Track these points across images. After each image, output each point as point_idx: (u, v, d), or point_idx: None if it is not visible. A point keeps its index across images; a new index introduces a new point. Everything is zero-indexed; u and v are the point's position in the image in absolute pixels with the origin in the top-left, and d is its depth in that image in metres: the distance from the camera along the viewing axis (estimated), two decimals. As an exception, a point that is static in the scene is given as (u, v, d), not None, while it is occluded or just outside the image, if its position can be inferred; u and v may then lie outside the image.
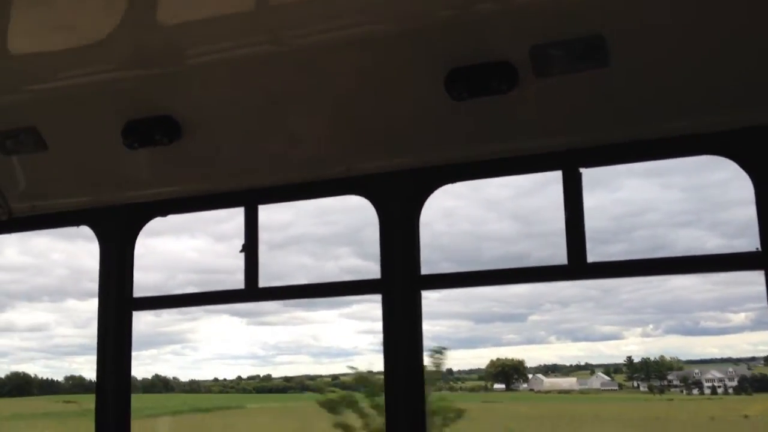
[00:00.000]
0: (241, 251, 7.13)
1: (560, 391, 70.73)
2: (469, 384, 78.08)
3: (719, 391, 63.62)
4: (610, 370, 74.08)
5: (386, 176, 6.67)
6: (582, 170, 6.29)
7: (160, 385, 78.98)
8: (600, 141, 6.13)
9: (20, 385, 77.28)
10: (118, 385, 7.40)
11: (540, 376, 74.01)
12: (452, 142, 6.39)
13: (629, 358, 72.51)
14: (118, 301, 7.44)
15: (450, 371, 78.26)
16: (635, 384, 71.15)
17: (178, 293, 7.64)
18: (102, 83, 6.36)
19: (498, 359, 74.91)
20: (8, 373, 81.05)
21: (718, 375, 65.47)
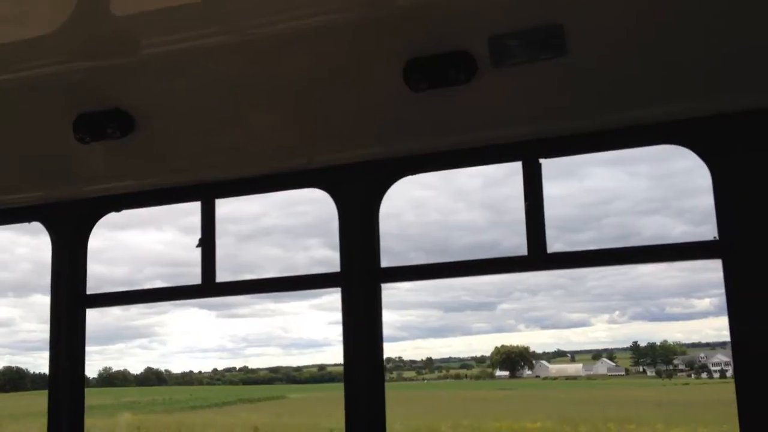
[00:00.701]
0: (197, 246, 7.04)
1: (567, 378, 71.18)
2: (474, 371, 78.29)
3: (728, 374, 63.83)
4: (612, 355, 74.33)
5: (345, 168, 6.62)
6: (542, 161, 6.26)
7: (153, 377, 79.28)
8: (559, 131, 6.11)
9: (14, 380, 77.46)
10: (71, 382, 7.31)
11: (544, 362, 74.35)
12: (412, 134, 6.34)
13: (635, 343, 73.00)
14: (70, 298, 7.35)
15: (430, 359, 78.48)
16: (641, 369, 71.44)
17: (133, 289, 7.54)
18: (53, 75, 6.22)
19: (503, 346, 75.33)
20: (1, 368, 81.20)
21: (725, 359, 65.76)
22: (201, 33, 5.77)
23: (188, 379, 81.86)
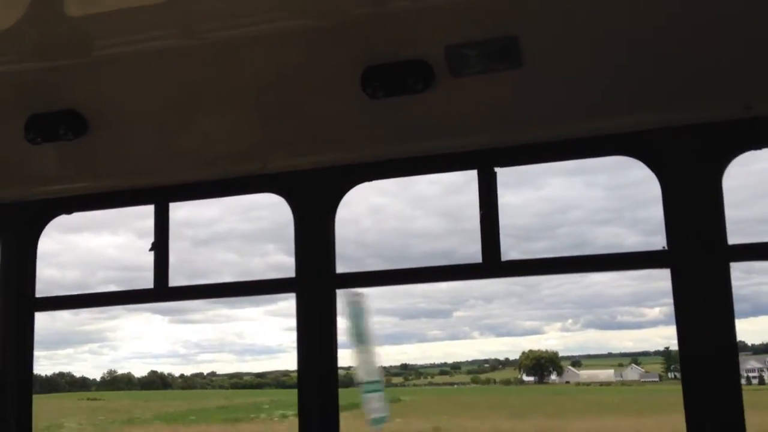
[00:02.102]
0: (150, 250, 6.99)
1: (602, 384, 70.43)
2: (497, 375, 77.75)
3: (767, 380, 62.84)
4: (638, 360, 73.60)
5: (302, 174, 6.59)
6: (498, 170, 6.29)
7: (158, 381, 79.57)
8: (514, 141, 6.15)
9: (51, 381, 77.49)
10: (19, 387, 7.23)
11: (572, 368, 73.69)
12: (368, 141, 6.35)
13: (666, 348, 72.30)
14: (19, 302, 7.27)
15: (405, 366, 78.73)
16: (674, 375, 70.67)
17: (84, 293, 7.49)
18: (4, 75, 6.20)
19: (531, 351, 74.87)
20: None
21: (758, 365, 64.77)
22: (156, 35, 5.77)
23: (191, 383, 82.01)
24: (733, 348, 5.49)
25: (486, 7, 5.35)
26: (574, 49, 5.52)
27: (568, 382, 72.29)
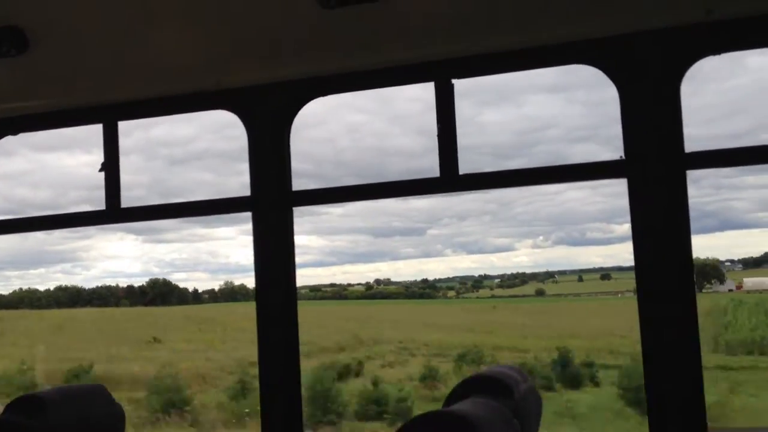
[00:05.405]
0: (100, 170, 6.75)
1: (768, 290, 67.58)
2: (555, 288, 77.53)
3: None
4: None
5: (253, 90, 6.29)
6: (454, 81, 5.97)
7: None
8: (470, 51, 5.84)
9: (163, 294, 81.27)
10: None
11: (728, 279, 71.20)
12: (322, 54, 6.03)
13: None
14: None
15: (425, 280, 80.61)
16: None
17: (35, 215, 7.34)
18: None
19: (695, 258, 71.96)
20: (147, 281, 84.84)
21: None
22: None
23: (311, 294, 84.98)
24: (688, 258, 5.35)
25: None
26: None
27: (731, 290, 70.04)
